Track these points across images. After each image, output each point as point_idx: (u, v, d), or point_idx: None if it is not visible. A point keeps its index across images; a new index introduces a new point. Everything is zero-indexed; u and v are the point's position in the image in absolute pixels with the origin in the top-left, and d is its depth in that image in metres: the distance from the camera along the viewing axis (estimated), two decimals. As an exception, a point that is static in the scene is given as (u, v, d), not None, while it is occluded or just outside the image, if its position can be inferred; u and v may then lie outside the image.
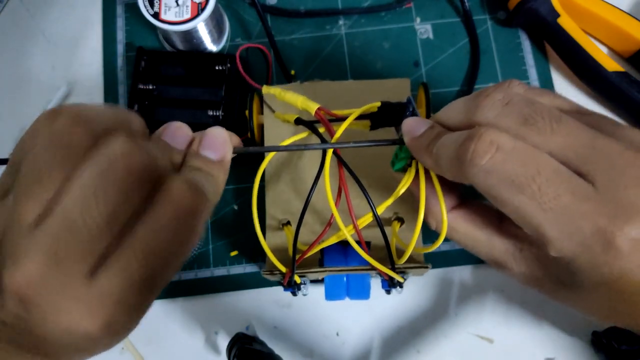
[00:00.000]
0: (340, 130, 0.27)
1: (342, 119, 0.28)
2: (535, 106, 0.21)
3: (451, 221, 0.25)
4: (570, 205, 0.19)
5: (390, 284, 0.33)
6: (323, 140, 0.28)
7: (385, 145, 0.26)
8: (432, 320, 0.41)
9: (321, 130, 0.29)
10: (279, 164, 0.37)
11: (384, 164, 0.29)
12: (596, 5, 0.44)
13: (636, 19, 0.43)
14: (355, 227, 0.27)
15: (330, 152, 0.27)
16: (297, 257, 0.31)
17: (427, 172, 0.25)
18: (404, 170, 0.27)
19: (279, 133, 0.38)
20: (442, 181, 0.26)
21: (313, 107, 0.28)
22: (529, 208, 0.19)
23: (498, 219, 0.25)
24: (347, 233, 0.27)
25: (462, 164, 0.20)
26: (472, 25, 0.46)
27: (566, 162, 0.20)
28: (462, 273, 0.42)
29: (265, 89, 0.34)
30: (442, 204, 0.24)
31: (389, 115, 0.28)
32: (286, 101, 0.31)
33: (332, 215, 0.27)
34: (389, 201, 0.27)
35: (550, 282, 0.22)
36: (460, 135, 0.21)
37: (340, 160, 0.27)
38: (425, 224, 0.36)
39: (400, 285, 0.32)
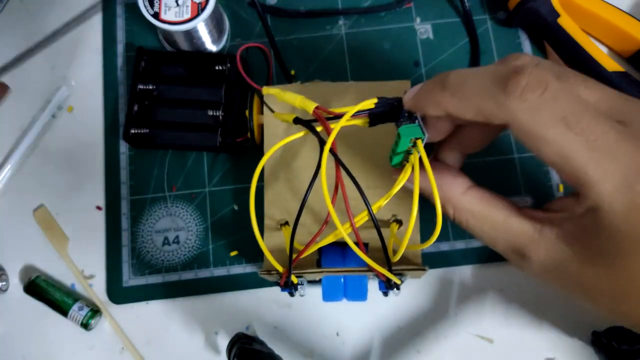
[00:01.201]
0: (337, 126, 0.27)
1: (340, 117, 0.28)
2: (565, 67, 0.22)
3: (466, 204, 0.25)
4: (615, 144, 0.19)
5: (387, 286, 0.32)
6: (320, 139, 0.28)
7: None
8: (432, 320, 0.41)
9: (319, 129, 0.29)
10: (277, 164, 0.37)
11: (384, 163, 0.29)
12: (596, 5, 0.44)
13: (636, 19, 0.43)
14: (351, 223, 0.27)
15: (327, 146, 0.26)
16: (294, 256, 0.31)
17: (422, 165, 0.25)
18: (401, 165, 0.27)
19: (279, 133, 0.38)
20: (450, 167, 0.25)
21: (311, 106, 0.28)
22: (576, 146, 0.20)
23: (513, 205, 0.24)
24: (343, 231, 0.27)
25: (508, 96, 0.21)
26: (472, 25, 0.46)
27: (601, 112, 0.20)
28: (462, 273, 0.42)
29: (265, 90, 0.34)
30: (434, 188, 0.24)
31: (386, 110, 0.28)
32: (285, 101, 0.31)
33: (329, 214, 0.27)
34: (388, 195, 0.26)
35: (575, 261, 0.21)
36: (497, 69, 0.21)
37: (336, 159, 0.27)
38: (422, 220, 0.35)
39: (398, 287, 0.32)
